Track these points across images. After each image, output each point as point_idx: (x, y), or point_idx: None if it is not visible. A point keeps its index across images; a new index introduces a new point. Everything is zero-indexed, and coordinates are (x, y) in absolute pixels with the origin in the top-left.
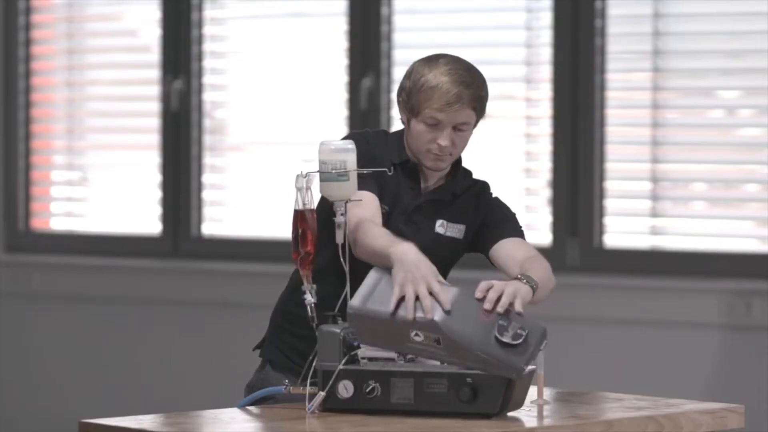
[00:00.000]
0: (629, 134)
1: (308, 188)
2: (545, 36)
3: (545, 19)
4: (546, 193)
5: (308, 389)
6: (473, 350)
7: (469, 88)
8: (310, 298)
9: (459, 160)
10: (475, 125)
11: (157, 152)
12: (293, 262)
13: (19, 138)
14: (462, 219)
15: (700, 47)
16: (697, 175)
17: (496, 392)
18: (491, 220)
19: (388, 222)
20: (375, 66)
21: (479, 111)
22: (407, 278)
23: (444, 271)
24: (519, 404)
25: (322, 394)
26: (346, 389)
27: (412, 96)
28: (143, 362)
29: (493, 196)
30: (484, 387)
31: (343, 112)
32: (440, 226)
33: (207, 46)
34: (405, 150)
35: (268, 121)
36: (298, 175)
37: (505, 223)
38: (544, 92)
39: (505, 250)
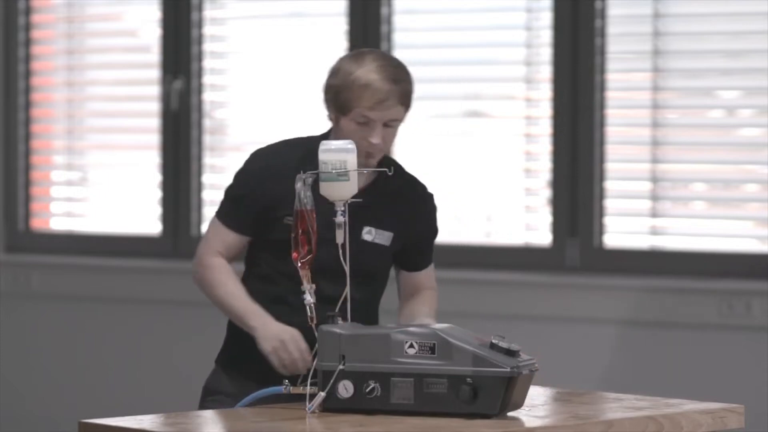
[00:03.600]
0: (629, 134)
1: (308, 188)
2: (545, 36)
3: (545, 19)
4: (546, 193)
5: (308, 389)
6: (468, 351)
7: (399, 85)
8: (309, 298)
9: (387, 159)
10: (403, 120)
11: (157, 152)
12: (293, 262)
13: (19, 138)
14: (391, 226)
15: (700, 47)
16: (697, 175)
17: (496, 392)
18: (420, 245)
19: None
20: None
21: (408, 106)
22: (277, 347)
23: (372, 278)
24: (519, 404)
25: (322, 394)
26: (346, 389)
27: (341, 94)
28: (143, 362)
29: (435, 211)
30: (484, 387)
31: None
32: (367, 233)
33: (207, 46)
34: None
35: (268, 121)
36: (298, 175)
37: (427, 253)
38: (544, 92)
39: (414, 278)
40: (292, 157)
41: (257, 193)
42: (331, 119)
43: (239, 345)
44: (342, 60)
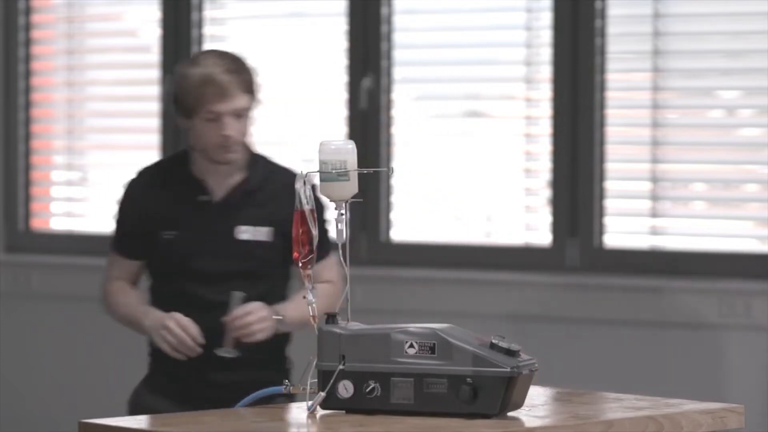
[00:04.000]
0: (629, 134)
1: (308, 188)
2: (545, 36)
3: (545, 19)
4: (546, 193)
5: (308, 389)
6: (468, 351)
7: (238, 74)
8: (310, 298)
9: (252, 154)
10: (252, 109)
11: (157, 152)
12: (294, 262)
13: (19, 138)
14: (268, 221)
15: (700, 47)
16: (697, 175)
17: (496, 392)
18: None
19: (178, 242)
20: (375, 66)
21: (253, 95)
22: (163, 334)
23: (259, 277)
24: (519, 404)
25: (322, 394)
26: (346, 389)
27: (185, 97)
28: (143, 362)
29: (320, 203)
30: (484, 387)
31: (343, 112)
32: (244, 233)
33: (207, 46)
34: (189, 165)
35: (268, 121)
36: (298, 175)
37: (320, 245)
38: (544, 92)
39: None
40: (155, 178)
41: (129, 216)
42: (183, 126)
43: (157, 363)
44: (180, 66)
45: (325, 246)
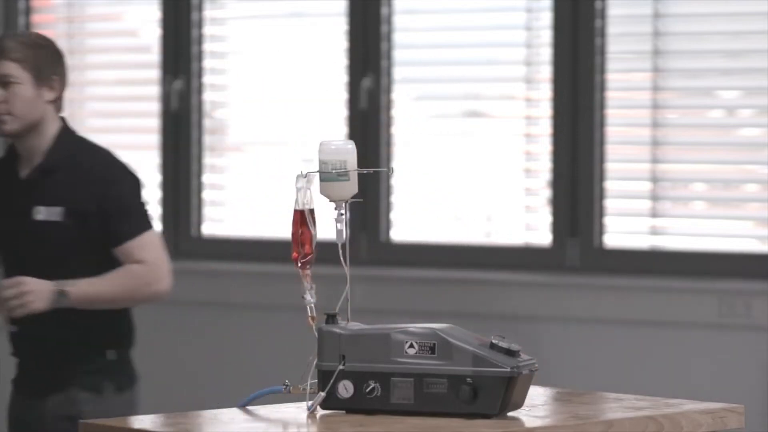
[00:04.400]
0: (629, 134)
1: (308, 188)
2: (545, 36)
3: (545, 19)
4: (546, 193)
5: (308, 389)
6: (468, 351)
7: (19, 45)
8: (309, 298)
9: (61, 134)
10: (39, 86)
11: (157, 152)
12: (293, 263)
13: None
14: (59, 201)
15: (700, 47)
16: (697, 175)
17: (496, 392)
18: (104, 217)
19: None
20: (375, 66)
21: (29, 68)
22: None
23: (63, 258)
24: (519, 404)
25: (322, 394)
26: (345, 389)
27: None
28: (143, 362)
29: (112, 183)
30: (484, 387)
31: (343, 112)
32: (40, 213)
33: (207, 46)
34: (14, 151)
35: (268, 121)
36: (298, 175)
37: (119, 225)
38: (544, 92)
39: (119, 252)
40: None
41: None
42: None
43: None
44: None
45: (137, 223)
